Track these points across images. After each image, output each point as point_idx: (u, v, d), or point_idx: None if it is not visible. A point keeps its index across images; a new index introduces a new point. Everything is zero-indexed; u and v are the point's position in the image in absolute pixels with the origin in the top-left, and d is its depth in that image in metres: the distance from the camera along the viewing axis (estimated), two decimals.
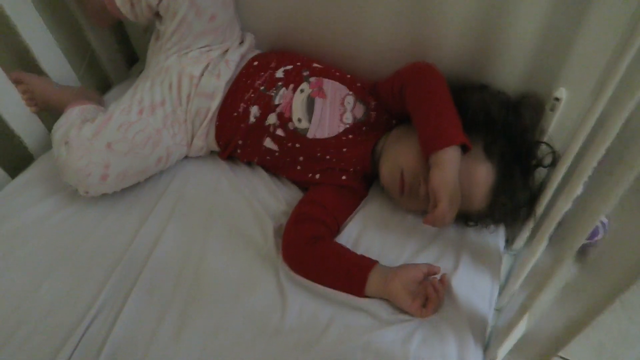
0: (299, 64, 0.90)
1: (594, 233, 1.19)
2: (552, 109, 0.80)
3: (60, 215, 0.85)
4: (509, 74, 0.83)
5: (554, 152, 0.78)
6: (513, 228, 0.85)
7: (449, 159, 0.72)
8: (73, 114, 0.89)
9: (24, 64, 0.96)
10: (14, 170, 0.97)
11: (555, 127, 0.80)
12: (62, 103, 0.94)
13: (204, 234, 0.83)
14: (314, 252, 0.76)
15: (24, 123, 0.94)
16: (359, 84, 0.89)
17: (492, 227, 0.83)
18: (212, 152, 0.95)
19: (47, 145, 0.95)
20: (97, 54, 1.08)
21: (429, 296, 0.71)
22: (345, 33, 0.92)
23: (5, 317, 0.73)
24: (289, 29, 0.97)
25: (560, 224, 0.70)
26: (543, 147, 0.80)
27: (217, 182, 0.90)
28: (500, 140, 0.78)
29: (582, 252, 1.39)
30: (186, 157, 0.93)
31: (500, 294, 0.80)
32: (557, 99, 0.78)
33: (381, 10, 0.85)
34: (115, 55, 1.12)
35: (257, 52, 0.96)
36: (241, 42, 0.95)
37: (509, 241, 0.89)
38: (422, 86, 0.78)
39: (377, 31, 0.89)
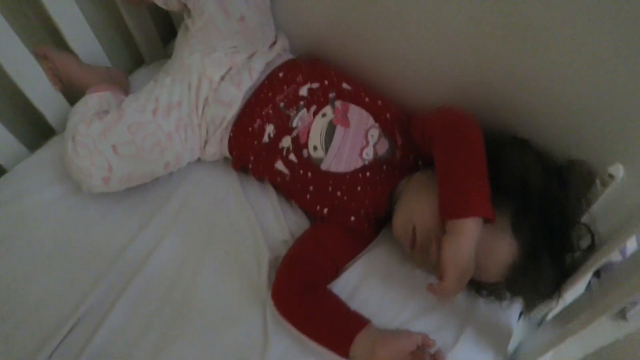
0: (327, 82, 0.81)
1: None
2: (604, 185, 0.69)
3: (64, 205, 0.84)
4: (560, 135, 0.71)
5: (593, 235, 0.68)
6: (531, 302, 0.76)
7: (467, 231, 0.63)
8: (90, 102, 0.85)
9: (52, 41, 0.93)
10: (35, 143, 0.97)
11: (601, 205, 0.69)
12: (86, 84, 0.91)
13: (200, 252, 0.80)
14: (303, 301, 0.71)
15: (46, 99, 0.92)
16: (388, 115, 0.80)
17: (506, 301, 0.74)
18: (225, 159, 0.90)
19: None
20: (131, 31, 1.04)
21: None
22: (389, 52, 0.82)
23: None
24: (327, 36, 0.88)
25: None
26: (581, 227, 0.69)
27: (224, 195, 0.86)
28: (533, 213, 0.68)
29: None
30: (199, 159, 0.89)
31: None
32: (610, 176, 0.67)
33: (440, 35, 0.74)
34: (150, 32, 1.07)
35: (287, 57, 0.88)
36: (273, 44, 0.88)
37: (527, 309, 0.80)
38: (453, 142, 0.69)
39: (428, 57, 0.78)
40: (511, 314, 0.75)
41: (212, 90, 0.81)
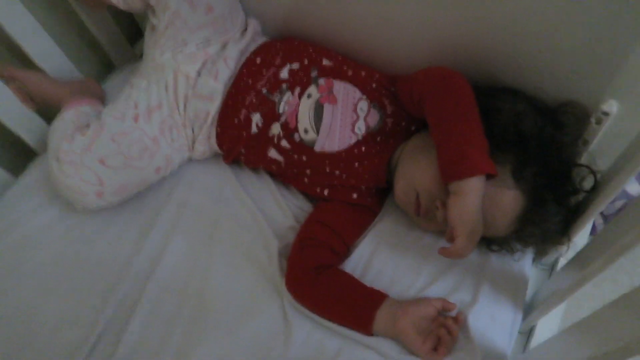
0: (306, 61, 0.79)
1: None
2: (598, 123, 0.68)
3: (63, 225, 0.82)
4: (550, 78, 0.70)
5: (595, 174, 0.68)
6: (542, 250, 0.77)
7: (471, 190, 0.63)
8: (67, 118, 0.83)
9: (17, 60, 0.89)
10: (19, 167, 0.95)
11: (599, 144, 0.69)
12: (60, 99, 0.88)
13: (207, 250, 0.79)
14: (318, 285, 0.71)
15: (22, 121, 0.89)
16: (374, 84, 0.79)
17: (517, 253, 0.75)
18: (216, 154, 0.88)
19: None
20: (96, 37, 1.00)
21: (441, 338, 0.66)
22: (365, 17, 0.80)
23: (14, 337, 0.73)
24: (298, 12, 0.85)
25: None
26: (582, 168, 0.69)
27: (221, 191, 0.84)
28: (533, 161, 0.67)
29: None
30: (190, 159, 0.87)
31: (526, 316, 0.74)
32: (605, 113, 0.67)
33: None
34: (115, 35, 1.03)
35: (261, 40, 0.85)
36: (244, 30, 0.85)
37: (538, 256, 0.81)
38: (444, 101, 0.67)
39: (405, 16, 0.76)
40: (524, 264, 0.76)
41: (190, 87, 0.79)
